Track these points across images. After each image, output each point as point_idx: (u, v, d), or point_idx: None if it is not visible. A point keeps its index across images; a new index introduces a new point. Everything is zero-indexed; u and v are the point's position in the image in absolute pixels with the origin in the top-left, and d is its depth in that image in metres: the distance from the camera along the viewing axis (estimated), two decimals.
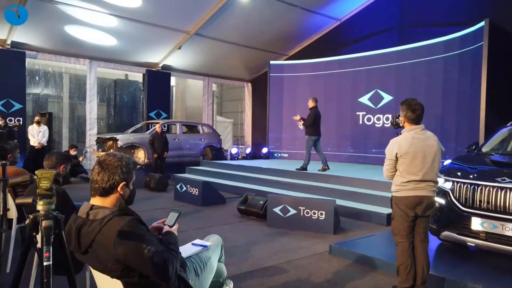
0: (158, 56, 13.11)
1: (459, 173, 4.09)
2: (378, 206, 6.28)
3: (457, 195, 3.95)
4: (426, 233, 3.26)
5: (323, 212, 5.28)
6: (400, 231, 3.22)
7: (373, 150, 10.76)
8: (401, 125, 3.30)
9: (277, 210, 5.52)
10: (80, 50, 11.74)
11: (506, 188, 3.61)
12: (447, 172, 4.22)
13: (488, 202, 3.70)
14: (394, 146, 3.19)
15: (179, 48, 12.50)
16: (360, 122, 11.15)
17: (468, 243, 3.86)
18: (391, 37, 11.20)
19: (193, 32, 11.85)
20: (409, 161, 3.11)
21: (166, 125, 12.47)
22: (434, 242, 4.51)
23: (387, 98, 10.59)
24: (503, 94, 8.04)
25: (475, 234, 3.77)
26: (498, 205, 3.63)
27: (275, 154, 12.54)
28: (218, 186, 8.98)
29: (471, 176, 3.94)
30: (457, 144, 8.70)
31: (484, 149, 4.88)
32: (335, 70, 11.81)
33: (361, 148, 11.15)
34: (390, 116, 10.43)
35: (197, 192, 7.03)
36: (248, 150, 13.47)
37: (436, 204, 4.13)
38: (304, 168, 8.55)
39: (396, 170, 3.21)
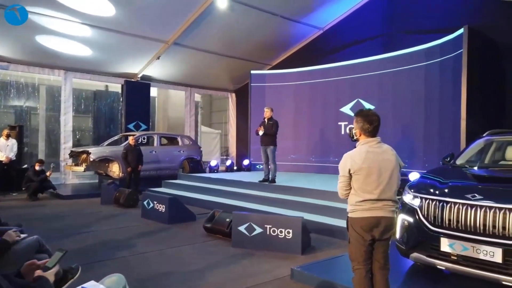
0: (137, 67, 12.79)
1: (428, 189, 3.75)
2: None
3: (426, 213, 3.60)
4: (385, 258, 2.90)
5: (290, 231, 4.91)
6: (357, 256, 2.86)
7: None
8: (355, 138, 2.97)
9: (242, 228, 5.14)
10: (54, 60, 11.40)
11: (476, 205, 3.27)
12: (416, 187, 3.88)
13: (457, 221, 3.36)
14: (346, 161, 2.85)
15: (158, 58, 12.19)
16: (342, 133, 10.85)
17: (438, 266, 3.50)
18: (373, 45, 10.98)
19: (172, 41, 11.57)
20: (364, 177, 2.77)
21: (145, 137, 12.09)
22: (406, 263, 4.16)
23: (369, 107, 10.30)
24: (484, 102, 7.79)
25: (445, 257, 3.42)
26: (468, 224, 3.29)
27: (257, 166, 12.17)
28: (193, 201, 8.64)
29: (440, 192, 3.60)
30: (439, 154, 8.39)
31: (458, 162, 4.57)
32: (317, 79, 11.58)
33: (340, 159, 10.81)
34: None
35: (163, 209, 6.63)
36: (229, 162, 13.09)
37: (405, 222, 3.80)
38: (273, 180, 8.23)
39: (351, 188, 2.87)
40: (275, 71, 12.97)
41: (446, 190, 3.59)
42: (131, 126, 12.92)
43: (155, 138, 11.79)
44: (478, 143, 4.83)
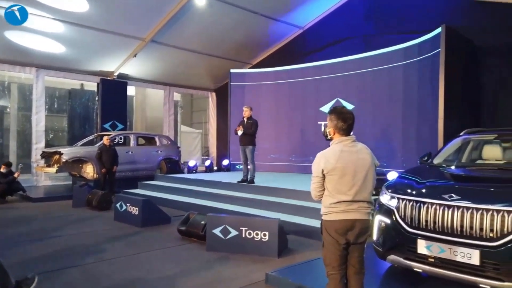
0: (113, 65, 12.42)
1: (405, 189, 3.65)
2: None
3: (402, 214, 3.50)
4: (361, 263, 2.77)
5: (267, 233, 4.76)
6: (331, 261, 2.72)
7: None
8: (329, 137, 2.83)
9: (217, 231, 4.96)
10: (26, 58, 10.94)
11: (453, 206, 3.18)
12: (393, 187, 3.78)
13: (434, 222, 3.27)
14: (320, 161, 2.71)
15: (135, 56, 11.86)
16: (322, 131, 10.75)
17: (415, 269, 3.40)
18: (353, 45, 10.95)
19: (149, 39, 11.27)
20: (338, 178, 2.63)
21: (122, 137, 11.74)
22: (383, 265, 4.06)
23: (348, 107, 10.25)
24: (462, 101, 7.81)
25: (422, 259, 3.32)
26: (445, 226, 3.20)
27: (237, 166, 11.98)
28: (169, 203, 8.40)
29: (417, 192, 3.51)
30: (418, 153, 8.39)
31: (435, 161, 4.50)
32: (297, 78, 11.48)
33: None
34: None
35: (137, 212, 6.38)
36: (208, 163, 12.85)
37: (382, 224, 3.70)
38: (252, 180, 8.09)
39: (325, 189, 2.73)
40: (254, 70, 12.83)
41: (423, 190, 3.50)
42: (107, 125, 12.54)
43: (132, 138, 11.46)
44: (455, 142, 4.78)
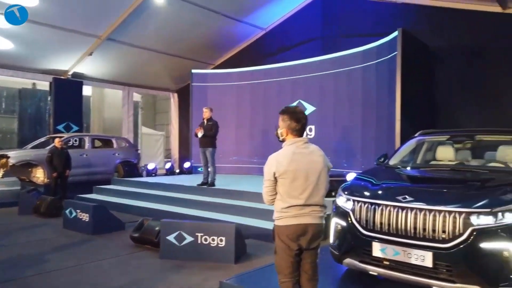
0: (67, 63, 11.81)
1: (360, 191, 3.61)
2: None
3: (358, 216, 3.45)
4: (314, 269, 2.66)
5: (223, 238, 4.59)
6: (283, 268, 2.60)
7: None
8: (281, 138, 2.70)
9: (171, 238, 4.73)
10: None
11: (407, 208, 3.16)
12: (349, 189, 3.73)
13: (389, 225, 3.23)
14: (271, 164, 2.58)
15: (90, 54, 11.34)
16: None
17: (371, 272, 3.36)
18: (315, 47, 11.03)
19: (105, 37, 10.80)
20: (290, 181, 2.51)
21: (77, 139, 11.16)
22: (340, 269, 4.00)
23: (310, 109, 10.30)
24: (419, 103, 8.00)
25: (377, 262, 3.28)
26: (399, 228, 3.17)
27: (199, 169, 11.69)
28: (126, 208, 8.04)
29: (372, 194, 3.47)
30: (376, 155, 8.46)
31: (391, 162, 4.51)
32: (259, 80, 11.40)
33: None
34: (313, 127, 10.17)
35: (87, 218, 6.01)
36: (168, 165, 12.49)
37: (338, 227, 3.63)
38: (213, 183, 7.90)
39: (277, 193, 2.60)
40: (216, 71, 12.64)
41: (377, 192, 3.47)
42: (60, 127, 11.88)
43: (87, 140, 10.92)
44: (410, 144, 4.83)
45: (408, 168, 4.36)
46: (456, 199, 3.10)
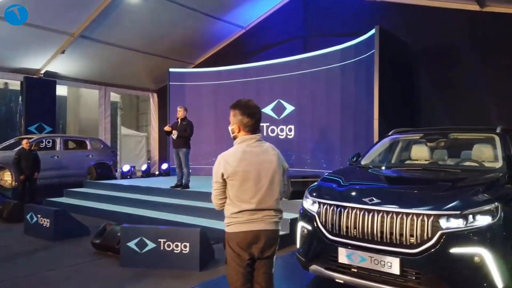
0: (38, 62, 11.36)
1: (326, 192, 3.39)
2: None
3: (323, 219, 3.22)
4: (268, 280, 2.41)
5: (187, 244, 4.32)
6: (234, 280, 2.35)
7: None
8: (232, 135, 2.45)
9: (132, 244, 4.43)
10: None
11: (374, 210, 2.95)
12: (316, 190, 3.51)
13: (355, 229, 3.01)
14: (219, 164, 2.34)
15: (63, 52, 10.93)
16: (264, 134, 10.51)
17: (337, 280, 3.14)
18: (295, 46, 10.84)
19: (78, 34, 10.41)
20: (239, 183, 2.27)
21: (50, 141, 10.71)
22: (307, 276, 3.77)
23: (289, 108, 10.10)
24: (397, 101, 7.86)
25: (344, 269, 3.06)
26: (365, 232, 2.95)
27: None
28: (97, 212, 7.69)
29: (338, 196, 3.25)
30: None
31: (363, 162, 4.31)
32: (239, 79, 11.14)
33: None
34: (292, 127, 9.97)
35: (48, 224, 5.66)
36: (144, 167, 12.13)
37: (304, 231, 3.40)
38: (187, 185, 7.63)
39: (226, 196, 2.35)
40: (194, 70, 12.39)
41: (344, 194, 3.25)
42: (32, 128, 11.43)
43: (58, 141, 10.50)
44: (384, 143, 4.64)
45: (379, 168, 4.16)
46: (424, 200, 2.90)
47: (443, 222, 2.72)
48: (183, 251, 4.33)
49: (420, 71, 8.15)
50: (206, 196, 7.16)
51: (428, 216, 2.76)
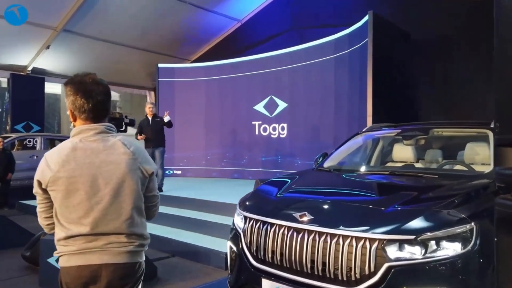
0: (25, 58, 10.96)
1: (258, 203, 2.62)
2: (224, 240, 4.76)
3: (248, 240, 2.46)
4: None
5: None
6: None
7: (259, 164, 9.47)
8: (72, 124, 1.73)
9: (53, 260, 3.77)
10: None
11: (304, 230, 2.17)
12: (246, 202, 2.74)
13: (281, 254, 2.24)
14: (39, 167, 1.62)
15: (48, 47, 10.48)
16: (256, 133, 9.77)
17: None
18: (291, 38, 10.05)
19: (61, 28, 9.93)
20: (63, 196, 1.54)
21: (36, 140, 10.30)
22: None
23: (282, 105, 9.32)
24: (393, 97, 6.97)
25: None
26: (293, 259, 2.18)
27: (166, 171, 10.75)
28: None
29: (267, 209, 2.48)
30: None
31: (326, 164, 3.50)
32: (230, 74, 10.43)
33: (254, 162, 9.78)
34: (285, 125, 9.19)
35: None
36: None
37: (232, 254, 2.65)
38: (160, 188, 6.99)
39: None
40: (184, 65, 11.78)
41: (275, 206, 2.48)
42: (19, 127, 11.05)
43: (39, 140, 10.05)
44: (356, 142, 3.82)
45: (340, 172, 3.33)
46: (368, 218, 2.10)
47: (391, 250, 1.93)
48: None
49: (418, 63, 7.23)
50: (179, 202, 6.52)
51: (372, 240, 1.96)
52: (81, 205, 1.54)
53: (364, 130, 3.91)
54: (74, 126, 1.68)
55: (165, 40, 11.71)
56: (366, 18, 6.84)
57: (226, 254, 2.82)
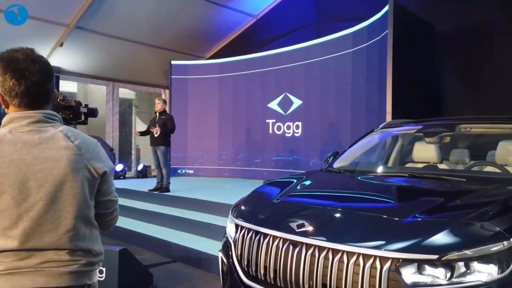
0: None
1: (252, 209, 2.27)
2: None
3: (239, 252, 2.11)
4: None
5: (103, 269, 3.34)
6: None
7: (272, 164, 9.09)
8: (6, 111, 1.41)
9: None
10: None
11: (301, 244, 1.80)
12: (243, 206, 2.38)
13: (275, 271, 1.88)
14: None
15: (61, 45, 10.42)
16: (270, 132, 9.41)
17: None
18: (308, 33, 9.64)
19: (73, 25, 9.85)
20: None
21: None
22: None
23: (296, 102, 8.92)
24: (414, 92, 6.47)
25: None
26: (287, 278, 1.81)
27: (179, 171, 10.55)
28: None
29: (261, 216, 2.12)
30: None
31: (336, 165, 3.09)
32: (244, 71, 10.12)
33: (267, 162, 9.43)
34: (299, 124, 8.79)
35: None
36: (140, 167, 11.35)
37: (224, 267, 2.31)
38: (167, 188, 6.71)
39: None
40: (197, 62, 11.55)
41: (270, 212, 2.12)
42: None
43: None
44: (372, 139, 3.40)
45: (353, 174, 2.92)
46: (381, 231, 1.70)
47: (407, 273, 1.53)
48: (99, 278, 3.36)
49: (443, 56, 6.69)
50: (183, 202, 6.23)
51: (383, 259, 1.57)
52: (7, 213, 1.22)
53: (381, 126, 3.48)
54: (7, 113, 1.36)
55: (180, 37, 11.50)
56: (386, 8, 6.37)
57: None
